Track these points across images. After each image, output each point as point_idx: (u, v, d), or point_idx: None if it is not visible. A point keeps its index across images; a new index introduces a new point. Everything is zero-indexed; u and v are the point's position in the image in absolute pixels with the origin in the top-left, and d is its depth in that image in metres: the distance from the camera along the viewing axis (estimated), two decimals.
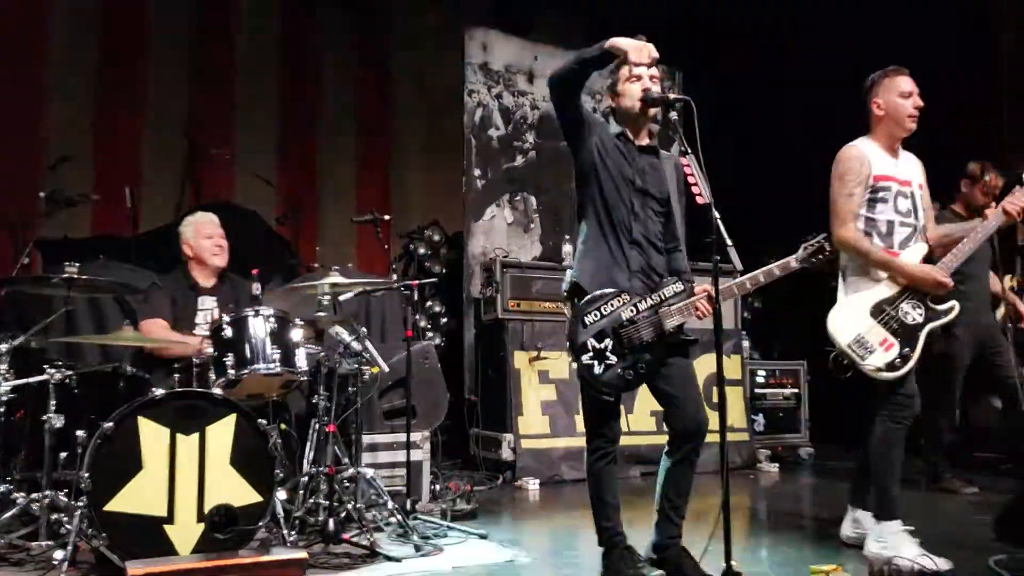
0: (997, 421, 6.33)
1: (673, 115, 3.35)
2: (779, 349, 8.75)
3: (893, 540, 3.63)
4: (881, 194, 3.89)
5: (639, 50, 3.32)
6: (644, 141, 3.59)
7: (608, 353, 3.37)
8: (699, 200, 3.27)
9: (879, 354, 3.76)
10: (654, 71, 3.52)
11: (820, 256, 3.53)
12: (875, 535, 3.73)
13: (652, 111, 3.52)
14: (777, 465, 7.02)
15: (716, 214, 3.16)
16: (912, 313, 3.79)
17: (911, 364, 3.74)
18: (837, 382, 8.15)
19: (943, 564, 3.47)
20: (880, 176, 3.90)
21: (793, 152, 8.66)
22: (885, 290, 3.84)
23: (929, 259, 3.89)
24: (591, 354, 3.37)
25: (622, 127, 3.56)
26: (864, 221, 3.90)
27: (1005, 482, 5.64)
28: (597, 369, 3.37)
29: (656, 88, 3.49)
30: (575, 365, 3.44)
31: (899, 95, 3.89)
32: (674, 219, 3.59)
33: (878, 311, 3.81)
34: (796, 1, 8.33)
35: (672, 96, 3.41)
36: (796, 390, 7.60)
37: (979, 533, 4.16)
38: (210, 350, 4.15)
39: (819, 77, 8.37)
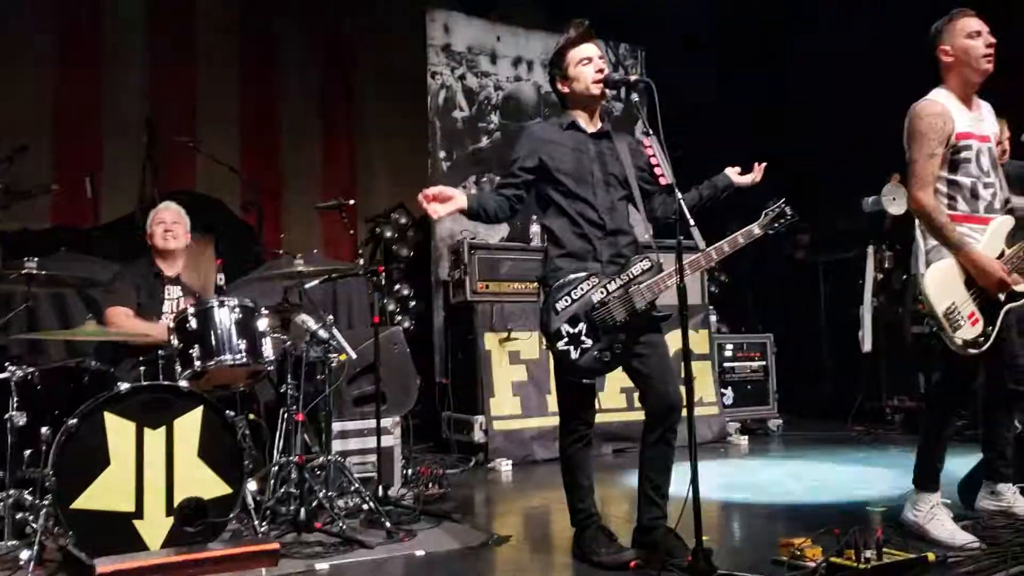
0: None
1: (635, 97, 3.35)
2: (745, 322, 8.85)
3: (929, 512, 3.63)
4: (964, 154, 3.63)
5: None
6: (596, 126, 3.58)
7: (583, 337, 3.36)
8: (662, 181, 3.28)
9: (966, 328, 3.54)
10: (600, 51, 3.54)
11: (781, 222, 3.53)
12: (912, 503, 3.71)
13: (609, 93, 3.52)
14: (747, 438, 7.10)
15: (679, 194, 3.18)
16: None
17: (990, 343, 3.55)
18: (803, 354, 8.25)
19: (971, 542, 3.48)
20: (962, 134, 3.63)
21: (754, 126, 8.73)
22: None
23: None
24: (566, 340, 3.37)
25: (574, 114, 3.56)
26: (947, 184, 3.64)
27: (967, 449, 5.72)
28: (574, 354, 3.36)
29: (610, 69, 3.50)
30: (552, 352, 3.43)
31: (966, 36, 3.62)
32: (636, 199, 3.59)
33: (972, 283, 3.57)
34: None
35: (633, 77, 3.41)
36: (764, 363, 7.68)
37: None
38: (175, 341, 4.11)
39: (784, 53, 8.44)
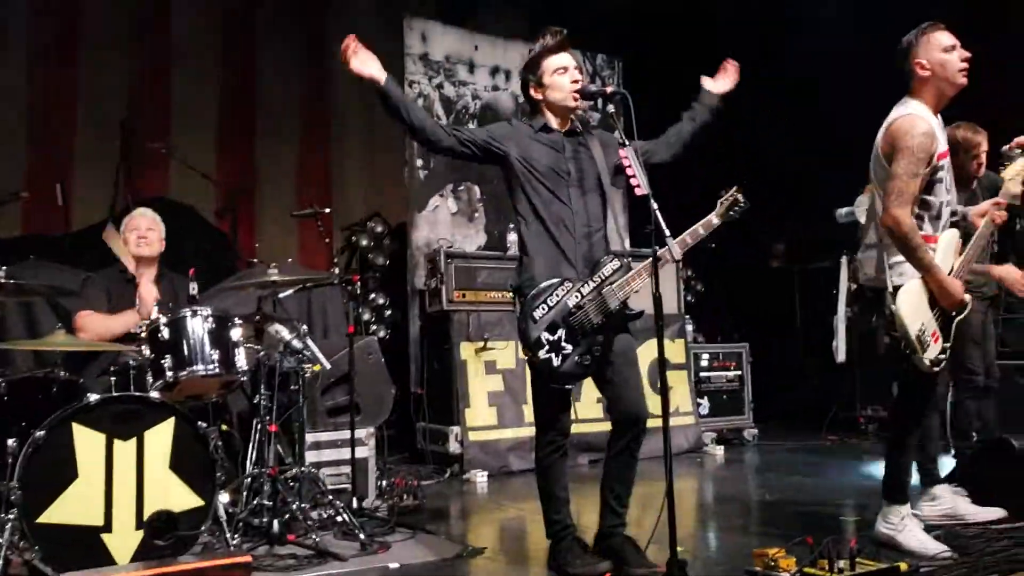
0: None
1: (611, 108, 3.35)
2: (721, 332, 8.88)
3: (900, 523, 3.65)
4: (939, 174, 3.62)
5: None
6: (566, 127, 3.58)
7: (563, 343, 3.36)
8: (637, 191, 3.28)
9: (932, 348, 3.57)
10: (576, 61, 3.55)
11: (736, 209, 3.57)
12: (883, 516, 3.73)
13: (585, 103, 3.54)
14: (723, 447, 7.11)
15: (654, 205, 3.17)
16: None
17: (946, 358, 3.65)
18: (778, 364, 8.30)
19: (943, 552, 3.52)
20: (942, 154, 3.60)
21: (733, 136, 8.75)
22: None
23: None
24: (547, 348, 3.36)
25: (546, 119, 3.55)
26: (919, 204, 3.61)
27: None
28: (556, 362, 3.36)
29: (586, 80, 3.52)
30: (533, 362, 3.41)
31: (942, 50, 3.60)
32: (610, 201, 3.60)
33: (933, 302, 3.60)
34: None
35: (609, 89, 3.41)
36: (739, 372, 7.69)
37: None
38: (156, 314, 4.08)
39: (759, 63, 8.45)
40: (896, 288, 3.58)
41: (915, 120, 3.57)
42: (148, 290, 4.59)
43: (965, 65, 3.63)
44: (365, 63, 3.43)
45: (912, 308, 3.55)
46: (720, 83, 3.80)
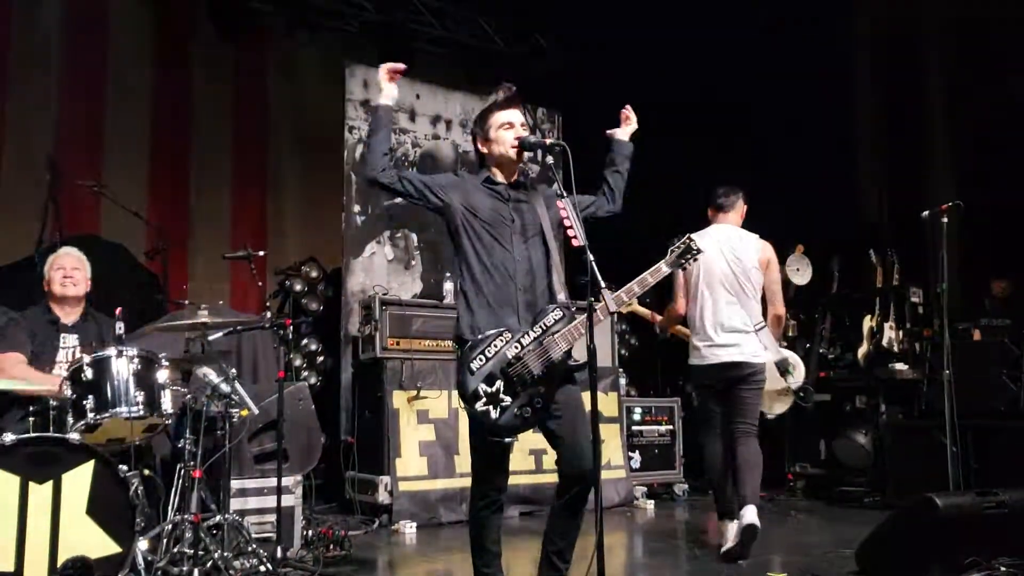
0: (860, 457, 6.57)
1: (550, 159, 3.39)
2: (654, 386, 8.94)
3: None
4: None
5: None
6: (512, 179, 3.59)
7: (501, 395, 3.28)
8: (574, 242, 3.30)
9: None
10: (523, 118, 3.59)
11: (688, 257, 3.55)
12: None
13: (526, 155, 3.56)
14: (653, 502, 7.12)
15: (590, 256, 3.19)
16: None
17: None
18: None
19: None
20: None
21: (671, 192, 8.92)
22: None
23: None
24: (484, 400, 3.27)
25: (491, 171, 3.58)
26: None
27: (867, 515, 5.85)
28: (494, 414, 3.26)
29: (528, 134, 3.55)
30: (470, 414, 3.32)
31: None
32: (552, 252, 3.61)
33: None
34: (671, 47, 8.61)
35: (549, 141, 3.44)
36: (671, 427, 7.75)
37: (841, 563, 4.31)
38: (68, 392, 3.95)
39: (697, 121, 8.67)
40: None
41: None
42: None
43: None
44: (391, 84, 3.67)
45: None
46: (626, 129, 3.92)
